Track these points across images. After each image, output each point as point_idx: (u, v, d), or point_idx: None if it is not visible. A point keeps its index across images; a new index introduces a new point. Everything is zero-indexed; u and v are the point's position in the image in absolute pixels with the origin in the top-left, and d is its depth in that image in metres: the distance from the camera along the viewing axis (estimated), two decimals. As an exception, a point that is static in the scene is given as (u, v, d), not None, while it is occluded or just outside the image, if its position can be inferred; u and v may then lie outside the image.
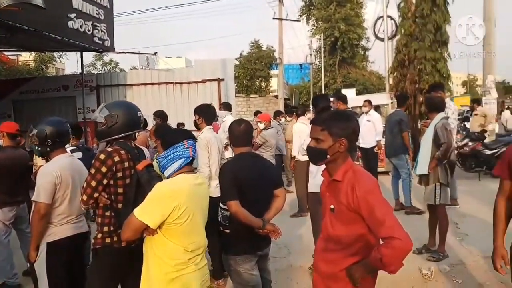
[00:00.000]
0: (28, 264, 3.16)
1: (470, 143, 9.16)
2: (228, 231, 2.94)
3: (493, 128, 11.89)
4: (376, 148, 8.13)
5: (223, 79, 14.36)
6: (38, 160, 4.38)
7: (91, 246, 2.80)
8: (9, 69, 25.17)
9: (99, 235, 2.72)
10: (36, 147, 3.11)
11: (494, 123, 12.52)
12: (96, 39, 11.29)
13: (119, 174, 2.68)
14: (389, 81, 14.48)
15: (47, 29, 9.57)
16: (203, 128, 4.60)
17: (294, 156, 6.65)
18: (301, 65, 36.78)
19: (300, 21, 32.19)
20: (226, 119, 7.20)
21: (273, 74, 29.20)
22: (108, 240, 2.70)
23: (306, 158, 2.46)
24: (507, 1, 33.08)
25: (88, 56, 33.14)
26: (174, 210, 2.23)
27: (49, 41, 10.67)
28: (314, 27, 34.49)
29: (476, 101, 12.69)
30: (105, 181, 2.65)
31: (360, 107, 9.02)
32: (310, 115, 8.83)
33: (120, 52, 15.09)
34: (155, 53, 17.18)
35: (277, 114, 11.01)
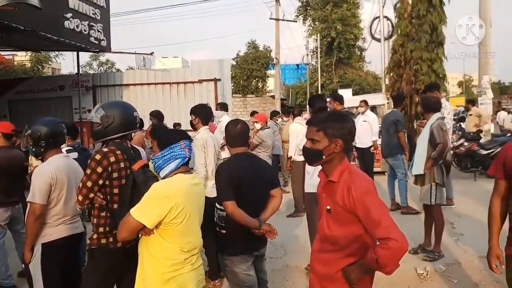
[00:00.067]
0: (23, 265, 3.14)
1: (465, 143, 9.20)
2: (224, 231, 2.94)
3: (488, 128, 11.94)
4: (372, 148, 8.16)
5: (219, 79, 14.38)
6: (33, 161, 4.37)
7: (87, 247, 2.79)
8: (5, 69, 25.09)
9: (95, 236, 2.72)
10: (31, 148, 3.10)
11: (490, 123, 12.57)
12: (92, 39, 11.27)
13: (115, 175, 2.67)
14: (385, 82, 14.53)
15: (43, 29, 9.54)
16: (200, 128, 4.59)
17: (291, 157, 6.65)
18: (297, 65, 36.83)
19: (296, 21, 32.26)
20: (222, 119, 7.20)
21: (269, 74, 29.17)
22: (103, 240, 2.69)
23: (302, 158, 2.46)
24: (503, 2, 33.22)
25: (85, 56, 33.03)
26: (171, 210, 2.22)
27: (45, 41, 10.64)
28: (311, 28, 34.54)
29: (471, 101, 12.73)
30: (100, 182, 2.64)
31: (357, 107, 9.05)
32: (306, 115, 8.84)
33: (116, 52, 15.06)
34: (151, 53, 17.20)
35: (273, 114, 11.02)
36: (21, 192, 4.54)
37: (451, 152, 7.40)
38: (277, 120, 10.87)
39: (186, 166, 2.46)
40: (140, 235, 2.34)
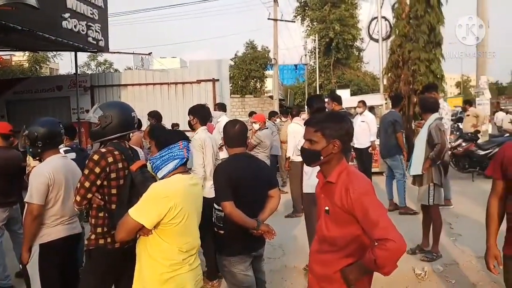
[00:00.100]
0: (20, 265, 3.13)
1: (463, 144, 9.22)
2: (222, 232, 2.94)
3: (486, 128, 11.96)
4: (370, 148, 8.16)
5: (218, 80, 14.38)
6: (31, 161, 4.35)
7: (85, 247, 2.79)
8: (3, 69, 25.01)
9: (93, 236, 2.71)
10: (28, 148, 3.10)
11: (488, 123, 12.60)
12: (90, 39, 11.25)
13: (113, 175, 2.67)
14: (383, 82, 14.53)
15: (41, 29, 9.52)
16: (198, 128, 4.59)
17: (289, 157, 6.65)
18: (296, 65, 36.84)
19: (295, 21, 32.24)
20: (221, 119, 7.20)
21: (268, 75, 29.20)
22: (101, 241, 2.69)
23: (300, 158, 2.46)
24: (500, 3, 33.30)
25: (82, 56, 33.09)
26: (170, 210, 2.23)
27: (43, 41, 10.62)
28: (309, 28, 34.55)
29: (468, 102, 12.77)
30: (98, 182, 2.64)
31: (355, 107, 9.05)
32: (305, 115, 8.84)
33: (114, 52, 15.04)
34: (149, 54, 17.18)
35: (272, 114, 11.02)
36: (18, 193, 4.53)
37: (449, 152, 7.42)
38: (276, 120, 10.88)
39: (184, 167, 2.47)
40: (138, 236, 2.33)
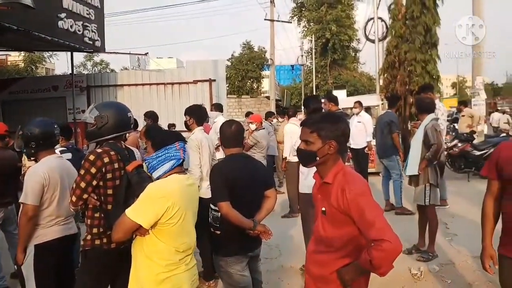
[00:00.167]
0: (15, 266, 3.12)
1: (459, 144, 9.26)
2: (219, 232, 2.93)
3: (481, 129, 12.02)
4: (366, 149, 8.18)
5: (214, 80, 14.38)
6: (26, 161, 4.34)
7: (81, 248, 2.78)
8: (-2, 69, 24.91)
9: (89, 237, 2.70)
10: (23, 149, 3.10)
11: (483, 124, 12.65)
12: (86, 39, 11.22)
13: (109, 175, 2.66)
14: (380, 83, 14.58)
15: (36, 29, 9.49)
16: (194, 129, 4.59)
17: (286, 157, 6.66)
18: (292, 66, 36.89)
19: (291, 22, 32.34)
20: (217, 120, 7.20)
21: (264, 75, 29.21)
22: (97, 241, 2.68)
23: (297, 159, 2.46)
24: (495, 4, 33.46)
25: (79, 57, 32.90)
26: (168, 210, 2.23)
27: (38, 41, 10.58)
28: (305, 29, 34.60)
29: (463, 102, 12.82)
30: (94, 182, 2.63)
31: (351, 108, 9.07)
32: (301, 116, 8.84)
33: (111, 53, 15.01)
34: (146, 54, 17.16)
35: (268, 115, 11.04)
36: (14, 193, 4.51)
37: (445, 153, 7.44)
38: (272, 121, 10.89)
39: (180, 167, 2.47)
40: (134, 236, 2.33)
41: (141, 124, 7.17)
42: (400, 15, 12.08)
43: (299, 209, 5.29)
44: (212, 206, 2.96)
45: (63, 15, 10.11)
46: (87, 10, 11.15)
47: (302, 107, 5.92)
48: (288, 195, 7.02)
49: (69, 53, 12.89)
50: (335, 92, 16.93)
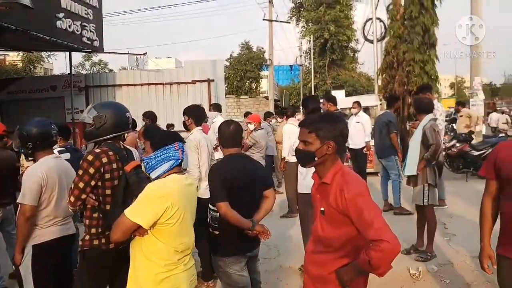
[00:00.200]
0: (13, 266, 3.11)
1: (457, 144, 9.27)
2: (217, 232, 2.93)
3: (480, 129, 12.04)
4: (365, 149, 8.19)
5: (213, 80, 14.38)
6: (24, 161, 4.33)
7: (79, 248, 2.77)
8: (-4, 69, 24.86)
9: (87, 237, 2.70)
10: (20, 149, 3.09)
11: (481, 124, 12.67)
12: (84, 39, 11.22)
13: (107, 176, 2.66)
14: (378, 83, 14.59)
15: (35, 29, 9.48)
16: (193, 129, 4.58)
17: (284, 157, 6.66)
18: (291, 66, 36.88)
19: (290, 22, 32.31)
20: (216, 120, 7.20)
21: (263, 75, 29.18)
22: (96, 242, 2.67)
23: (296, 159, 2.46)
24: (493, 4, 33.52)
25: (77, 57, 32.94)
26: (167, 210, 2.23)
27: (37, 41, 10.57)
28: (304, 29, 34.60)
29: (461, 103, 12.86)
30: (92, 183, 2.63)
31: (350, 108, 9.08)
32: (300, 116, 8.85)
33: (109, 53, 15.00)
34: (144, 54, 17.13)
35: (267, 115, 11.03)
36: (12, 193, 4.49)
37: (443, 153, 7.45)
38: (271, 121, 10.89)
39: (179, 167, 2.47)
40: (133, 236, 2.33)
41: (140, 124, 7.17)
42: (399, 16, 12.09)
43: (298, 209, 5.30)
44: (210, 206, 2.96)
45: (61, 15, 10.11)
46: (85, 10, 11.14)
47: (301, 107, 5.91)
48: (286, 195, 7.02)
49: (67, 53, 12.89)
50: (334, 92, 16.93)
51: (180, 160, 2.44)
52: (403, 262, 4.56)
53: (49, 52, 23.55)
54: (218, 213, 2.85)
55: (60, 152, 4.22)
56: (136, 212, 2.21)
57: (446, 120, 10.49)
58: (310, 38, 33.23)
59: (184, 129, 4.87)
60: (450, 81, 69.39)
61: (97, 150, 2.69)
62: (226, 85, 22.13)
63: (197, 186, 4.05)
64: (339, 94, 15.07)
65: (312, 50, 32.98)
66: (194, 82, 14.42)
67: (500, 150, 2.50)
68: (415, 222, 5.15)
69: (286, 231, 5.96)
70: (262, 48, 28.96)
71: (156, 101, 14.33)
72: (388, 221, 2.03)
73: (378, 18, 17.54)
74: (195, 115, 4.63)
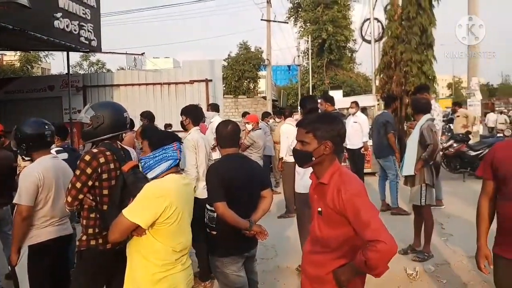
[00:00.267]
0: (9, 267, 3.10)
1: (455, 145, 9.29)
2: (215, 232, 2.93)
3: (477, 129, 12.08)
4: (362, 149, 8.20)
5: (211, 80, 14.37)
6: (21, 161, 4.32)
7: (76, 248, 2.77)
8: (-7, 69, 24.78)
9: (84, 237, 2.69)
10: (17, 149, 3.09)
11: (478, 125, 12.71)
12: (82, 39, 11.20)
13: (105, 176, 2.65)
14: (376, 83, 14.61)
15: (32, 28, 9.46)
16: (190, 129, 4.58)
17: (282, 157, 6.66)
18: (289, 66, 36.88)
19: (288, 22, 32.31)
20: (214, 120, 7.19)
21: (261, 75, 29.21)
22: (93, 242, 2.67)
23: (293, 159, 2.46)
24: (491, 5, 33.62)
25: (75, 56, 32.83)
26: (166, 210, 2.23)
27: (34, 40, 10.55)
28: (302, 29, 34.62)
29: (457, 103, 12.91)
30: (90, 183, 2.62)
31: (347, 108, 9.08)
32: (297, 116, 8.85)
33: (107, 53, 14.99)
34: (142, 54, 17.11)
35: (265, 115, 11.03)
36: (9, 193, 4.48)
37: (441, 153, 7.47)
38: (269, 121, 10.89)
39: (176, 167, 2.47)
40: (131, 236, 2.32)
41: (137, 124, 7.15)
42: (396, 16, 12.12)
43: (295, 209, 5.30)
44: (208, 206, 2.96)
45: (59, 14, 10.09)
46: (83, 10, 11.13)
47: (299, 107, 5.93)
48: (284, 196, 7.02)
49: (65, 53, 12.86)
50: (332, 93, 16.99)
51: (178, 160, 2.45)
52: (400, 262, 4.57)
53: (46, 52, 23.51)
54: (215, 213, 2.85)
55: (57, 152, 4.21)
56: (135, 212, 2.21)
57: (443, 120, 10.52)
58: (308, 38, 33.26)
59: (182, 129, 4.87)
60: (447, 81, 69.54)
61: (95, 150, 2.68)
62: (224, 85, 22.13)
63: (195, 186, 4.08)
64: (337, 94, 15.10)
65: (310, 50, 33.01)
66: (192, 82, 14.41)
67: (497, 150, 2.51)
68: (412, 222, 5.16)
69: (284, 231, 5.97)
70: (260, 48, 29.01)
71: (154, 101, 14.31)
72: (385, 221, 2.03)
73: (376, 19, 17.56)
74: (193, 115, 4.63)
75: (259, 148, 7.36)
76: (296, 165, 4.54)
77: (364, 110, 10.91)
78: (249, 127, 7.60)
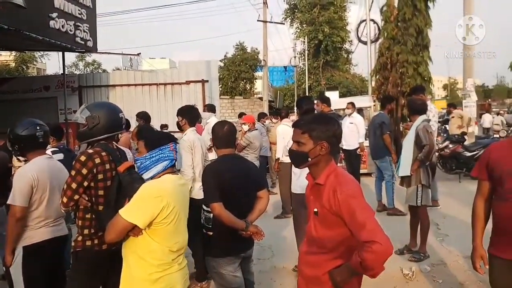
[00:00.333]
0: (4, 268, 3.08)
1: (450, 145, 9.33)
2: (211, 233, 2.93)
3: (472, 130, 12.13)
4: (358, 150, 8.21)
5: (207, 81, 14.37)
6: (15, 162, 4.30)
7: (72, 249, 2.76)
8: (-12, 69, 24.65)
9: (80, 238, 2.68)
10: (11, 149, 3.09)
11: (474, 125, 12.76)
12: (78, 39, 11.16)
13: (100, 176, 2.64)
14: (372, 84, 14.65)
15: (28, 28, 9.42)
16: (186, 129, 4.57)
17: (278, 158, 6.67)
18: (285, 67, 36.89)
19: (284, 23, 32.37)
20: (210, 120, 7.19)
21: (257, 76, 29.18)
22: (88, 242, 2.66)
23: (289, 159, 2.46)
24: (486, 7, 33.82)
25: (70, 57, 32.74)
26: (163, 210, 2.23)
27: (30, 40, 10.51)
28: (298, 30, 34.65)
29: (452, 105, 12.99)
30: (85, 183, 2.61)
31: (344, 109, 9.10)
32: (294, 117, 8.86)
33: (103, 53, 14.96)
34: (138, 54, 17.12)
35: (261, 116, 11.04)
36: (4, 194, 4.45)
37: (436, 154, 7.49)
38: (265, 122, 10.89)
39: (173, 168, 2.47)
40: (127, 236, 2.32)
41: (133, 124, 7.13)
42: (392, 17, 12.14)
43: (292, 210, 5.30)
44: (204, 207, 2.96)
45: (54, 14, 10.05)
46: (79, 10, 11.09)
47: (295, 108, 5.94)
48: (280, 196, 7.02)
49: (60, 53, 12.81)
50: (328, 93, 17.02)
51: (174, 160, 2.45)
52: (396, 262, 4.58)
53: (42, 52, 23.41)
54: (211, 214, 2.85)
55: (53, 152, 4.20)
56: (132, 212, 2.21)
57: (439, 121, 10.55)
58: (304, 39, 33.31)
59: (178, 130, 4.86)
60: (443, 82, 69.89)
61: (90, 151, 2.67)
62: (220, 85, 22.11)
63: (191, 187, 4.07)
64: (333, 95, 15.11)
65: (306, 51, 33.06)
66: (188, 82, 14.40)
67: (492, 151, 2.52)
68: (408, 222, 5.18)
69: (280, 231, 5.97)
70: (257, 49, 28.98)
71: (150, 102, 14.30)
72: (382, 221, 2.03)
73: (372, 20, 17.64)
74: (189, 115, 4.62)
75: (256, 148, 7.37)
76: (293, 166, 4.55)
77: (360, 111, 10.94)
78: (246, 127, 7.60)
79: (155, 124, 8.95)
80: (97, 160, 2.63)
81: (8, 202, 2.91)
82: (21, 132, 3.03)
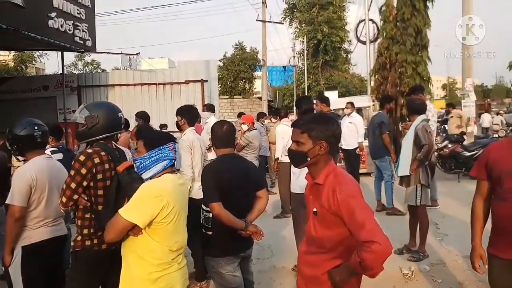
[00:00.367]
0: (3, 268, 3.08)
1: (449, 145, 9.34)
2: (210, 233, 2.93)
3: (471, 130, 12.14)
4: (358, 149, 8.22)
5: (206, 80, 14.37)
6: (14, 162, 4.29)
7: (71, 249, 2.75)
8: (-13, 69, 24.63)
9: (79, 238, 2.68)
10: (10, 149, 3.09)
11: (473, 125, 12.77)
12: (77, 38, 11.15)
13: (99, 176, 2.64)
14: (371, 84, 14.64)
15: (26, 28, 9.41)
16: (186, 129, 4.57)
17: (278, 158, 6.67)
18: (284, 67, 36.89)
19: (283, 23, 32.34)
20: (209, 120, 7.19)
21: (256, 76, 29.17)
22: (88, 242, 2.66)
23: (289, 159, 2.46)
24: (485, 7, 33.83)
25: (69, 56, 32.74)
26: (163, 209, 2.23)
27: (28, 40, 10.49)
28: (297, 30, 34.64)
29: (451, 105, 13.00)
30: (84, 183, 2.61)
31: (343, 109, 9.10)
32: (293, 117, 8.86)
33: (102, 53, 14.95)
34: (137, 54, 17.10)
35: (260, 115, 11.03)
36: (2, 194, 4.45)
37: (435, 153, 7.50)
38: (264, 121, 10.89)
39: (172, 168, 2.48)
40: (127, 236, 2.32)
41: (133, 124, 7.14)
42: (391, 17, 12.14)
43: (291, 210, 5.30)
44: (203, 206, 2.96)
45: (53, 14, 10.04)
46: (77, 10, 11.08)
47: (294, 108, 5.94)
48: (280, 196, 7.02)
49: (59, 52, 12.80)
50: (327, 93, 17.03)
51: (173, 160, 2.45)
52: (395, 262, 4.58)
53: (41, 52, 23.39)
54: (211, 214, 2.85)
55: (52, 152, 4.19)
56: (132, 211, 2.21)
57: (438, 121, 10.56)
58: (303, 39, 33.29)
59: (177, 130, 4.86)
60: (442, 82, 69.94)
61: (89, 151, 2.67)
62: (219, 85, 22.11)
63: (190, 187, 4.07)
64: (332, 95, 15.13)
65: (305, 51, 33.05)
66: (187, 82, 14.40)
67: (491, 151, 2.52)
68: (407, 222, 5.18)
69: (280, 231, 5.97)
70: (256, 49, 28.95)
71: (149, 101, 14.30)
72: (381, 221, 2.03)
73: (371, 20, 17.63)
74: (188, 115, 4.62)
75: (255, 148, 7.36)
76: (292, 166, 4.55)
77: (359, 110, 10.96)
78: (245, 127, 7.60)
79: (154, 123, 8.94)
80: (96, 160, 2.63)
81: (7, 202, 2.91)
82: (19, 132, 3.03)
